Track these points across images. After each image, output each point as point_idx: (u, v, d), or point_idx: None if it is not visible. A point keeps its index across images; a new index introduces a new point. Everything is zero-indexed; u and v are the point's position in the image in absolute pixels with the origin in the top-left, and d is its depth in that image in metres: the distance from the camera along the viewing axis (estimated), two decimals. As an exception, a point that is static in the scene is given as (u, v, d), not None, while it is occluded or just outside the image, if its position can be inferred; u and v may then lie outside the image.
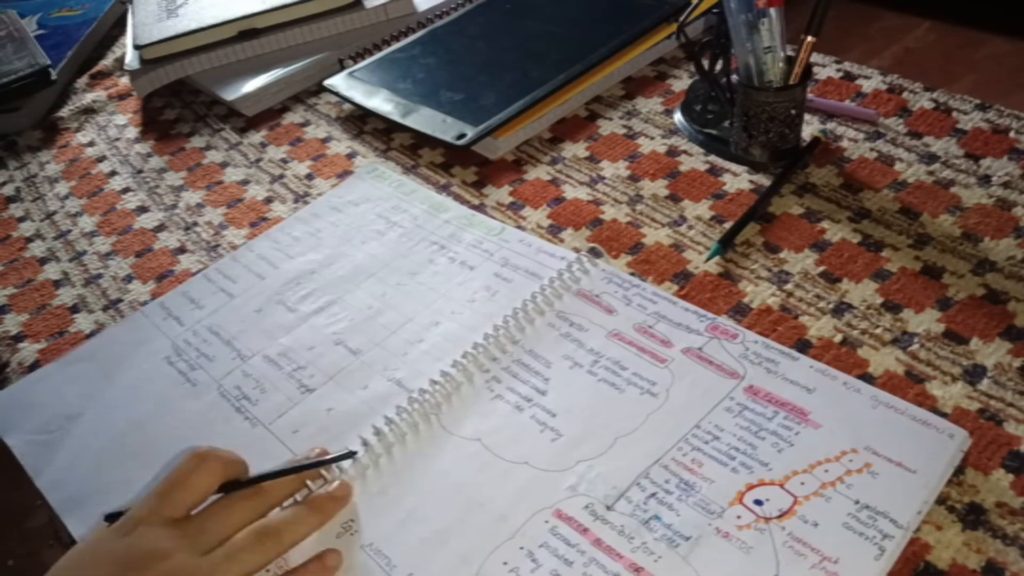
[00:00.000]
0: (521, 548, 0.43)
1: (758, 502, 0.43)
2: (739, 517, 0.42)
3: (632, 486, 0.44)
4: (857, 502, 0.42)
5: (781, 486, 0.43)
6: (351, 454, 0.47)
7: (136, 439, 0.53)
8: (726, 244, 0.57)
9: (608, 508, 0.44)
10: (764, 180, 0.62)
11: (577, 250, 0.59)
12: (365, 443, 0.48)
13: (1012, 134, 0.62)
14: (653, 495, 0.44)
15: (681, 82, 0.74)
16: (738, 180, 0.63)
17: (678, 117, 0.70)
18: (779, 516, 0.42)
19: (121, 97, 0.92)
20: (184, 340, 0.59)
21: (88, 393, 0.57)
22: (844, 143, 0.64)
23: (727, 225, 0.59)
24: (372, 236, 0.64)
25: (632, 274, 0.57)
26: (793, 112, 0.61)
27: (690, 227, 0.60)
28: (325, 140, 0.78)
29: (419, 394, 0.50)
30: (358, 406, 0.52)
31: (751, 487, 0.43)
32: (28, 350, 0.62)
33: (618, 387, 0.49)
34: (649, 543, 0.42)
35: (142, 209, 0.74)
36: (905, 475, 0.42)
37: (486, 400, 0.50)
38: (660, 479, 0.44)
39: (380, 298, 0.59)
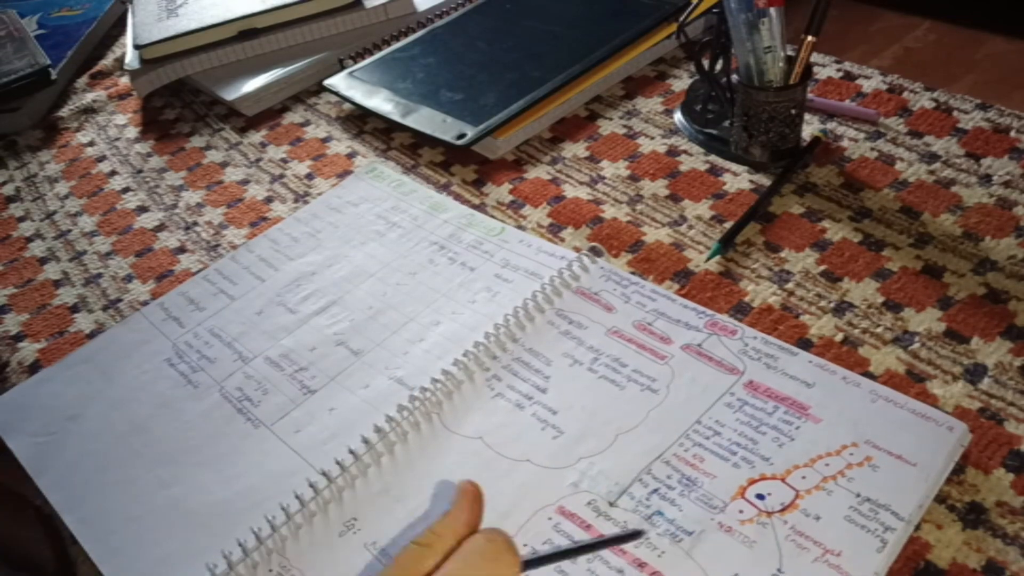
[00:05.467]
0: (525, 545, 0.43)
1: (760, 496, 0.43)
2: (741, 512, 0.42)
3: (634, 482, 0.44)
4: (858, 495, 0.42)
5: (782, 480, 0.43)
6: (638, 534, 0.42)
7: (137, 440, 0.53)
8: (727, 243, 0.57)
9: (611, 504, 0.44)
10: (764, 180, 0.62)
11: (578, 249, 0.59)
12: (366, 441, 0.48)
13: (1013, 133, 0.62)
14: (655, 491, 0.44)
15: (681, 82, 0.74)
16: (738, 180, 0.63)
17: (678, 117, 0.70)
18: (781, 510, 0.42)
19: (121, 97, 0.92)
20: (185, 342, 0.59)
21: (88, 394, 0.57)
22: (844, 143, 0.64)
23: (727, 225, 0.59)
24: (372, 237, 0.64)
25: (632, 273, 0.57)
26: (793, 112, 0.61)
27: (690, 227, 0.60)
28: (325, 140, 0.78)
29: (420, 392, 0.50)
30: (360, 405, 0.52)
31: (753, 482, 0.43)
32: (28, 349, 0.62)
33: (618, 384, 0.49)
34: (652, 538, 0.42)
35: (142, 209, 0.74)
36: (906, 468, 0.42)
37: (487, 398, 0.50)
38: (662, 475, 0.44)
39: (380, 298, 0.59)
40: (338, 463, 0.47)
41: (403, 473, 0.47)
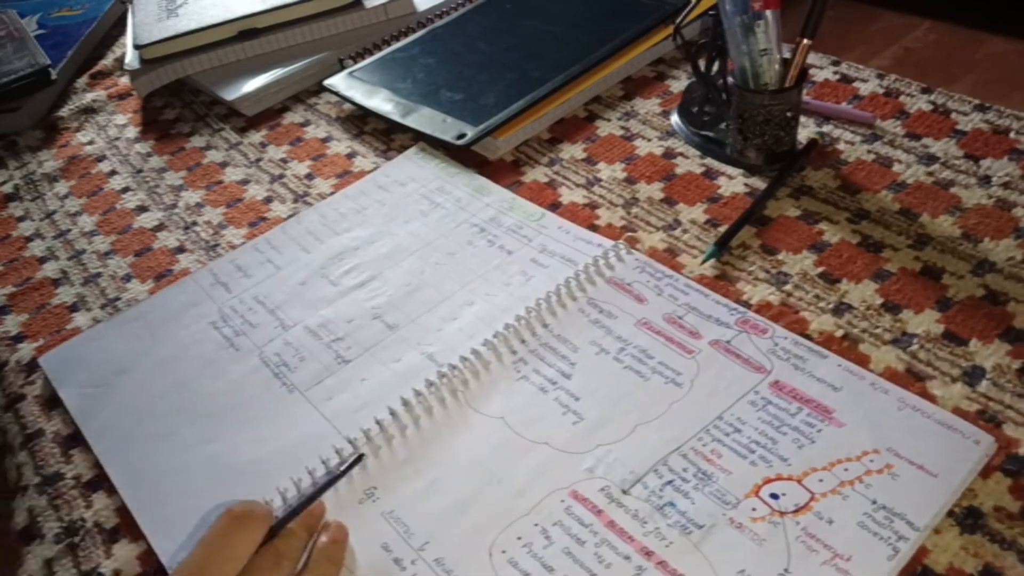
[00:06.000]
0: (536, 525, 0.43)
1: (774, 496, 0.43)
2: (754, 509, 0.42)
3: (649, 472, 0.45)
4: (875, 502, 0.41)
5: (799, 482, 0.43)
6: (360, 458, 0.48)
7: (179, 397, 0.55)
8: (722, 245, 0.57)
9: (624, 492, 0.44)
10: (759, 183, 0.62)
11: (615, 236, 0.59)
12: (393, 413, 0.50)
13: (1012, 135, 0.61)
14: (670, 482, 0.44)
15: (680, 83, 0.74)
16: (733, 183, 0.63)
17: (675, 119, 0.70)
18: (794, 511, 0.42)
19: (121, 97, 0.92)
20: (231, 307, 0.61)
21: (137, 351, 0.59)
22: (841, 145, 0.64)
23: (722, 229, 0.59)
24: (415, 216, 0.65)
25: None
26: (789, 115, 0.60)
27: (684, 231, 0.60)
28: (325, 140, 0.78)
29: (448, 369, 0.51)
30: (391, 378, 0.53)
31: (768, 480, 0.43)
32: (27, 349, 0.62)
33: (643, 375, 0.50)
34: (662, 528, 0.42)
35: (141, 208, 0.74)
36: (926, 478, 0.42)
37: (512, 380, 0.51)
38: (678, 467, 0.45)
39: (419, 275, 0.60)
40: (364, 432, 0.49)
41: (424, 446, 0.48)
